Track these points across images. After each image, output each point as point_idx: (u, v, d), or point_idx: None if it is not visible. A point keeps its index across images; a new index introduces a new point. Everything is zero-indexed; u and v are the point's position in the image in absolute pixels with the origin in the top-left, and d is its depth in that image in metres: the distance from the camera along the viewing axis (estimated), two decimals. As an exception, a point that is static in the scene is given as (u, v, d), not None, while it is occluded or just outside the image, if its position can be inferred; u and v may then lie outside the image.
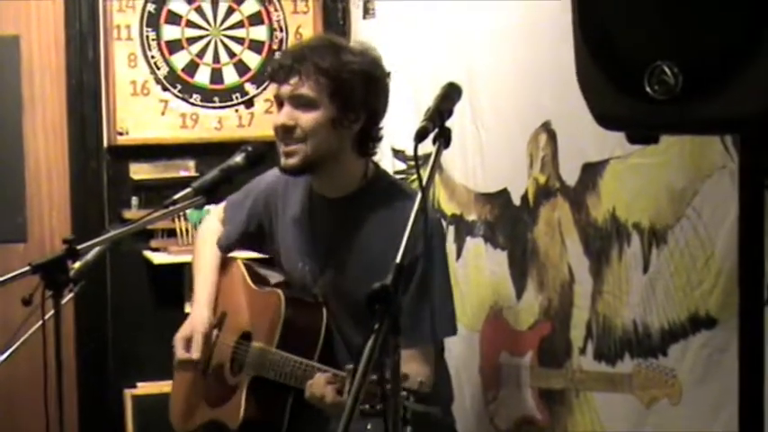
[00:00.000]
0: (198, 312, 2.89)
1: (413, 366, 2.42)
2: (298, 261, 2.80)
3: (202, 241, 3.05)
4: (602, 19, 1.69)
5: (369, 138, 2.68)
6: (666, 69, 1.60)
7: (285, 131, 2.61)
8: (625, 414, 2.59)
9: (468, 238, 3.35)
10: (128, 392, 4.35)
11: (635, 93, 1.65)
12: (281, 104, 2.65)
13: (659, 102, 1.64)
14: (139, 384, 4.38)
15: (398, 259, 1.71)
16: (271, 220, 2.88)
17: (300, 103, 2.60)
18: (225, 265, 3.00)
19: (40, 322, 2.35)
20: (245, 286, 2.90)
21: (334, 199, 2.71)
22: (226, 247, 2.99)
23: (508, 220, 3.13)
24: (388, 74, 2.71)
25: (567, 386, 2.85)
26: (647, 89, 1.63)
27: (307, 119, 2.59)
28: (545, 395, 2.98)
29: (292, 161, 2.62)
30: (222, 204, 3.02)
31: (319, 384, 2.44)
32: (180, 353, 2.83)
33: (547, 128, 2.91)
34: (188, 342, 2.83)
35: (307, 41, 2.81)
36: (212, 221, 3.07)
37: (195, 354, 2.82)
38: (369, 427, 2.56)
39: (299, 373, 2.58)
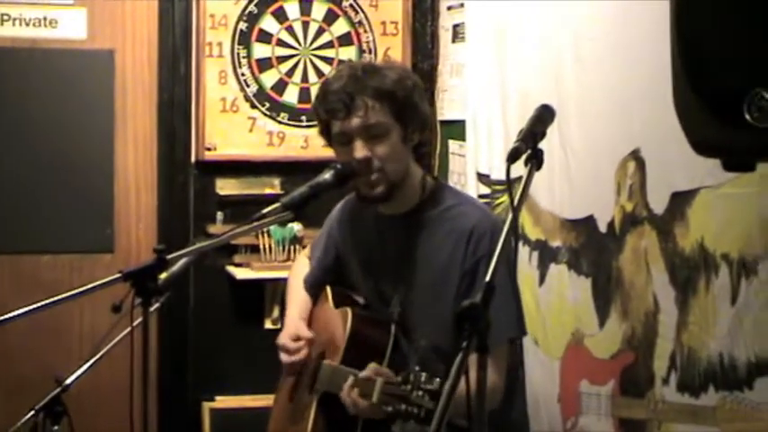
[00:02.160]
0: (290, 320, 2.89)
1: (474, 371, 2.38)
2: (371, 282, 2.80)
3: (294, 275, 3.08)
4: (701, 46, 1.67)
5: (420, 140, 2.69)
6: (766, 96, 1.59)
7: (365, 165, 2.55)
8: (708, 447, 2.56)
9: (552, 265, 3.33)
10: (206, 405, 4.40)
11: (733, 119, 1.63)
12: (346, 141, 2.57)
13: (758, 129, 1.62)
14: (218, 397, 4.43)
15: (488, 278, 1.70)
16: (344, 248, 2.89)
17: (372, 133, 2.54)
18: (317, 294, 3.00)
19: (127, 330, 2.38)
20: (327, 309, 2.91)
21: (399, 215, 2.68)
22: (311, 284, 2.99)
23: (593, 248, 3.11)
24: None
25: (648, 417, 2.81)
26: (746, 116, 1.61)
27: (383, 148, 2.55)
28: (625, 425, 2.94)
29: (379, 190, 2.58)
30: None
31: (348, 388, 2.46)
32: (292, 345, 2.79)
33: (636, 155, 2.89)
34: (295, 338, 2.81)
35: (344, 71, 2.62)
36: (303, 258, 3.11)
37: (307, 334, 2.79)
38: (394, 429, 2.55)
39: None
